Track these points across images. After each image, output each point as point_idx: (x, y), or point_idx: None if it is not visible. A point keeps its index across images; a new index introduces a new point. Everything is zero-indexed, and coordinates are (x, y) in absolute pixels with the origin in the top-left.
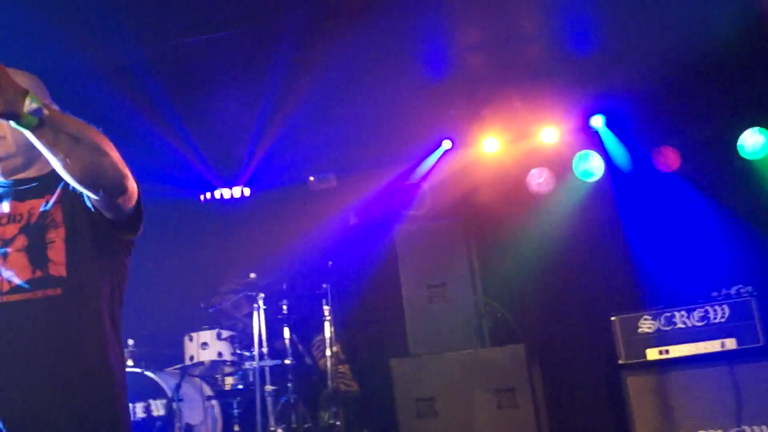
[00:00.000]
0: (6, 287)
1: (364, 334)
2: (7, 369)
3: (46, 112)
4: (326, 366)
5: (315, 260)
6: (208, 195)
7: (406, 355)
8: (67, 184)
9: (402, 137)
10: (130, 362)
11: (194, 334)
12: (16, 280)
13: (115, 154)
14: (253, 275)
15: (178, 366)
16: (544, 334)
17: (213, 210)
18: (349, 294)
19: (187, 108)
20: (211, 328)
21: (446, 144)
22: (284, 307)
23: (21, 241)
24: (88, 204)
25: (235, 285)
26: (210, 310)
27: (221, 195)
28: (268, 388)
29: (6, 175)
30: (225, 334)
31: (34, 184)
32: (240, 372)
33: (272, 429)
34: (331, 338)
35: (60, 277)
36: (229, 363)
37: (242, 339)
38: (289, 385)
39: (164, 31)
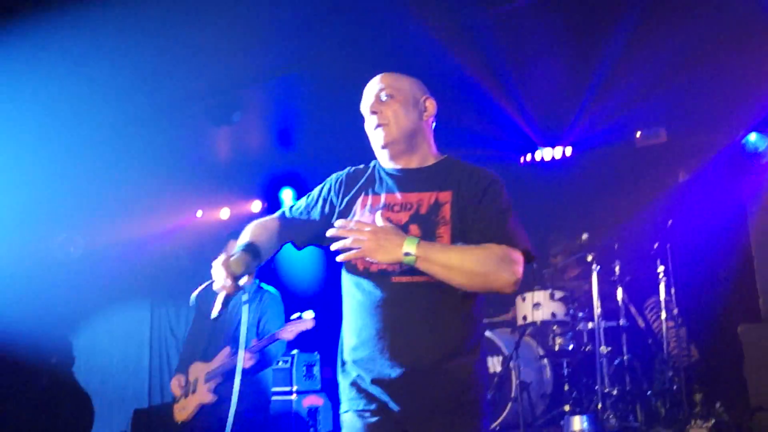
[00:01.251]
0: (398, 269)
1: (705, 296)
2: (391, 333)
3: (418, 253)
4: (661, 329)
5: (646, 219)
6: (528, 157)
7: (756, 321)
8: (459, 189)
9: (744, 87)
10: None
11: (527, 294)
12: (396, 267)
13: (496, 268)
14: (585, 236)
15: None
16: None
17: (532, 172)
18: (686, 254)
19: (519, 69)
20: (544, 288)
21: None
22: (616, 268)
23: (414, 230)
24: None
25: (566, 246)
26: (543, 272)
27: (542, 157)
28: (603, 349)
29: (393, 159)
30: (558, 294)
31: (422, 176)
32: (570, 333)
33: (607, 390)
34: (666, 300)
35: None
36: (560, 323)
37: (575, 300)
38: (623, 347)
39: None
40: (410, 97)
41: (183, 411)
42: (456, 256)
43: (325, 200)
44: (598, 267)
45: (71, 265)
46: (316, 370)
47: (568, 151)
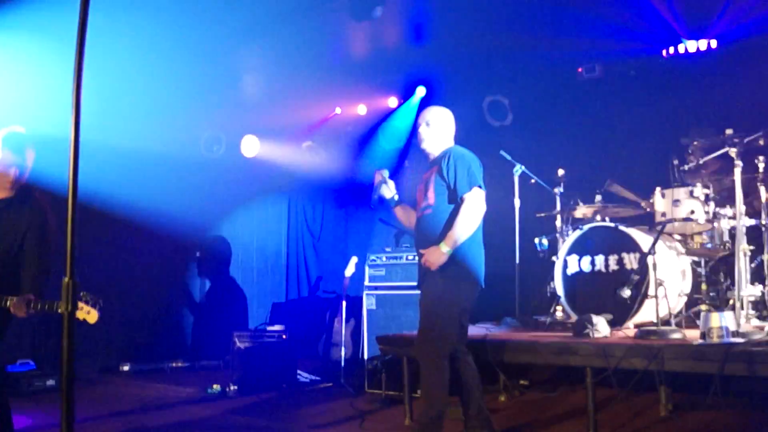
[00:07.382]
0: (419, 209)
1: None
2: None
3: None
4: None
5: None
6: (671, 50)
7: None
8: (440, 169)
9: None
10: (606, 219)
11: (666, 191)
12: (422, 206)
13: (474, 220)
14: (728, 132)
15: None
16: None
17: (675, 66)
18: None
19: None
20: (684, 185)
21: None
22: (760, 165)
23: (420, 189)
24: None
25: (707, 142)
26: (685, 168)
27: (685, 49)
28: (745, 247)
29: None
30: (698, 191)
31: (430, 163)
32: (710, 231)
33: (746, 290)
34: None
35: (429, 204)
36: (700, 221)
37: (715, 197)
38: (764, 246)
39: None
40: (437, 124)
41: None
42: (460, 233)
43: None
44: (741, 164)
45: (215, 162)
46: None
47: (714, 43)
